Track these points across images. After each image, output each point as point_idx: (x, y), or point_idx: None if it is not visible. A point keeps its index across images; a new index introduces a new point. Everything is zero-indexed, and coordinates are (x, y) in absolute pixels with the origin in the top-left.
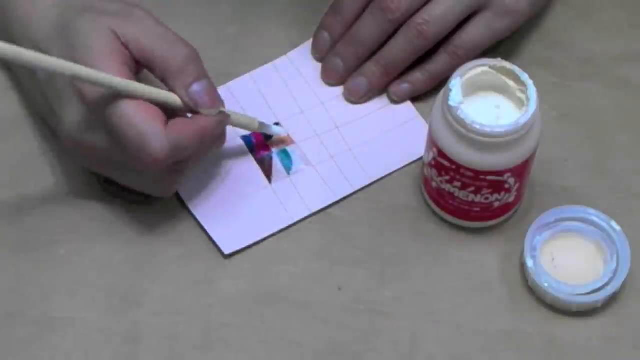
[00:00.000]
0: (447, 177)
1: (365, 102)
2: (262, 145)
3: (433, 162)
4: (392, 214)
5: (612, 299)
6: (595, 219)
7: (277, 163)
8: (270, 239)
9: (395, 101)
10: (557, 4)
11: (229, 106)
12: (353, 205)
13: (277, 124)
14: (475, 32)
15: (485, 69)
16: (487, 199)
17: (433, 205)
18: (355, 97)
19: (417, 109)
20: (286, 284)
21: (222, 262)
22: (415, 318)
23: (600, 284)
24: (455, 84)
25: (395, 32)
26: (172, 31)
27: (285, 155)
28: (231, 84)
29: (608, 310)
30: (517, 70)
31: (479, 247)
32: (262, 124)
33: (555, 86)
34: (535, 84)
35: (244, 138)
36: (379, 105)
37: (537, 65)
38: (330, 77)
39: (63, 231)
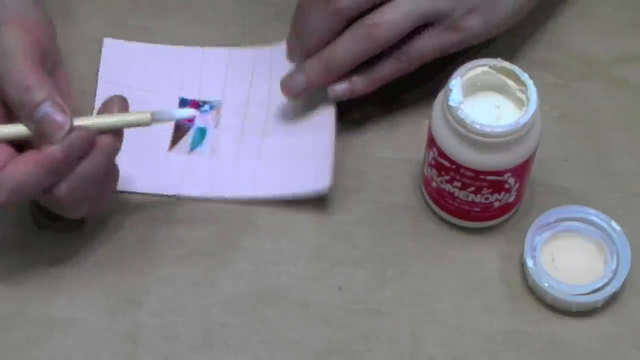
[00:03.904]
0: (447, 177)
1: (297, 97)
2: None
3: (433, 162)
4: (392, 214)
5: (612, 299)
6: (595, 219)
7: (188, 137)
8: (271, 239)
9: (331, 98)
10: (557, 4)
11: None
12: (353, 205)
13: (206, 103)
14: (423, 43)
15: (485, 69)
16: (487, 199)
17: (433, 205)
18: (289, 93)
19: (418, 109)
20: (286, 284)
21: (222, 263)
22: (415, 318)
23: (600, 284)
24: (456, 84)
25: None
26: (30, 53)
27: (200, 134)
28: (206, 50)
29: (608, 310)
30: (517, 70)
31: (479, 247)
32: (156, 114)
33: (555, 86)
34: (535, 84)
35: (182, 101)
36: (308, 127)
37: (537, 65)
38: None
39: (62, 231)
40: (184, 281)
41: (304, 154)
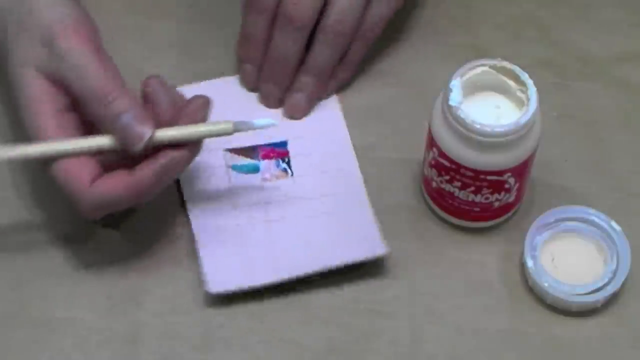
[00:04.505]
0: (447, 177)
1: (306, 114)
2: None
3: (433, 162)
4: (392, 214)
5: (612, 299)
6: (595, 219)
7: (244, 159)
8: None
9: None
10: (557, 3)
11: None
12: None
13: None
14: (374, 14)
15: (485, 69)
16: (487, 199)
17: (433, 205)
18: (298, 113)
19: (418, 109)
20: (286, 284)
21: None
22: (415, 318)
23: (600, 284)
24: (456, 84)
25: (310, 35)
26: (98, 59)
27: (251, 168)
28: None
29: (608, 310)
30: (517, 70)
31: (479, 247)
32: (238, 124)
33: (555, 86)
34: (535, 84)
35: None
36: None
37: (537, 65)
38: (269, 103)
39: (62, 232)
40: (184, 281)
41: (268, 243)
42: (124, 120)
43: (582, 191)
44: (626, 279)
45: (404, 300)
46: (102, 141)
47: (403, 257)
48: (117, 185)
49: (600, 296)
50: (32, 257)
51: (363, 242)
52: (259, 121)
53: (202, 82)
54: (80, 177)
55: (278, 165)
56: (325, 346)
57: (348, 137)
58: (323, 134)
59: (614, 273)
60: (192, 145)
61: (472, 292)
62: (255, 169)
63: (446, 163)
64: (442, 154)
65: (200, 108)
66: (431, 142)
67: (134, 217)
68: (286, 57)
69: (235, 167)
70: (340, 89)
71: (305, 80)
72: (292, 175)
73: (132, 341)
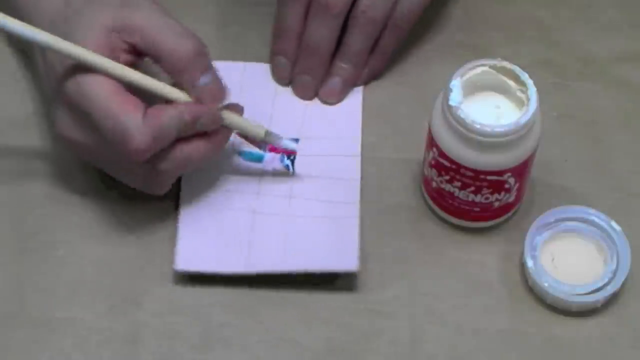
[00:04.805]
0: (447, 177)
1: (341, 100)
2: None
3: (433, 162)
4: (392, 214)
5: (612, 299)
6: (595, 219)
7: (252, 148)
8: None
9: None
10: (557, 4)
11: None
12: None
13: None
14: (407, 2)
15: (485, 69)
16: (487, 199)
17: (433, 205)
18: (333, 98)
19: (418, 109)
20: (286, 284)
21: None
22: (415, 318)
23: (600, 284)
24: (456, 84)
25: (344, 24)
26: (179, 22)
27: (255, 157)
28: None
29: (608, 310)
30: (517, 70)
31: (479, 247)
32: (269, 134)
33: (555, 86)
34: (535, 84)
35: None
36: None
37: (537, 65)
38: (305, 94)
39: (62, 232)
40: (184, 281)
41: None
42: (206, 79)
43: (582, 191)
44: (626, 279)
45: (404, 300)
46: (180, 95)
47: (403, 257)
48: (166, 113)
49: (600, 296)
50: (32, 257)
51: (339, 254)
52: (286, 141)
53: (239, 62)
54: (134, 107)
55: (282, 161)
56: (325, 346)
57: (359, 146)
58: (335, 139)
59: (614, 273)
60: (226, 130)
61: (472, 292)
62: (259, 159)
63: (446, 163)
64: (442, 154)
65: (237, 108)
66: (431, 142)
67: (134, 217)
68: (321, 46)
69: (240, 154)
70: (373, 78)
71: (341, 65)
72: (292, 173)
73: (132, 341)
